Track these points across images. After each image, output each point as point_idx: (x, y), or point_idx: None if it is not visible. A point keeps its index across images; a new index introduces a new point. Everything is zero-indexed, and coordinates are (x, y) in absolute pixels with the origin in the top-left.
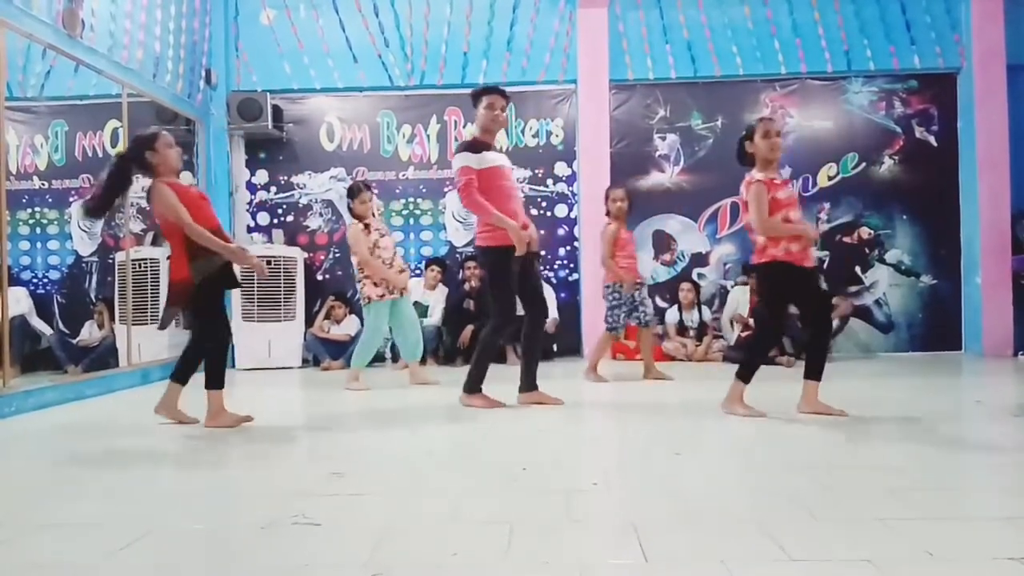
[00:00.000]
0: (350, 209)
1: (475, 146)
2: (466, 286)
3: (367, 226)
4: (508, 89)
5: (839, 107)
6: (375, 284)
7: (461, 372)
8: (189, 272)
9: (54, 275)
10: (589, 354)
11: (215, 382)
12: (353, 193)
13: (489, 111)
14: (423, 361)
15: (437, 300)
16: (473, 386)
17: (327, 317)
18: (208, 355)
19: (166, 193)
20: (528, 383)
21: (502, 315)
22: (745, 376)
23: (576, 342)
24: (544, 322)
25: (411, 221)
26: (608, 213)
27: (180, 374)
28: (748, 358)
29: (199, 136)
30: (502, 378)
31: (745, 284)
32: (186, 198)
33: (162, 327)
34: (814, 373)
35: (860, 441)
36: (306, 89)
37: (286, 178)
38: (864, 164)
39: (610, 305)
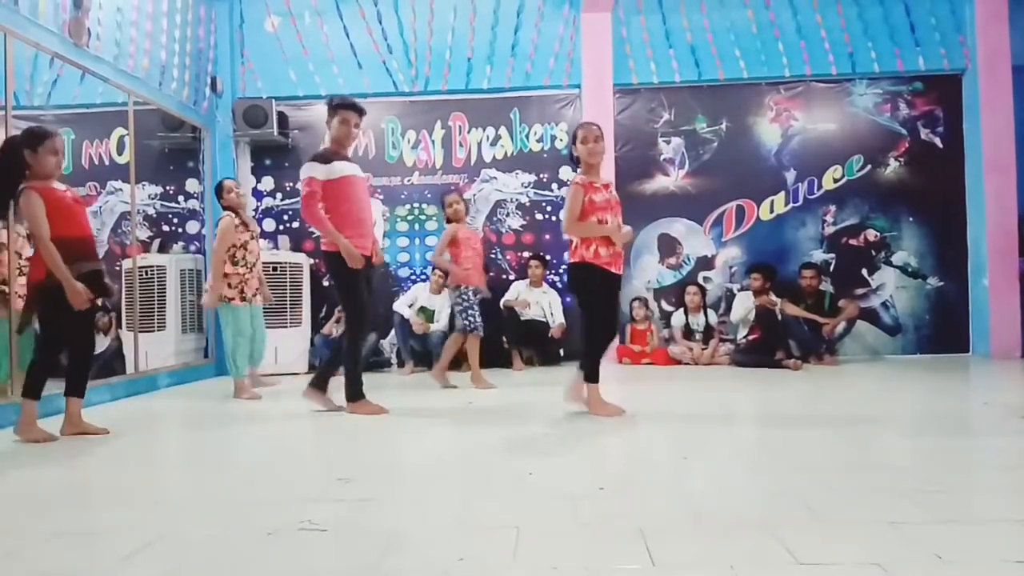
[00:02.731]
0: (223, 207)
1: (325, 156)
2: None
3: (243, 222)
4: (512, 94)
5: (844, 109)
6: (230, 285)
7: (467, 375)
8: (46, 273)
9: None
10: (444, 359)
11: (75, 389)
12: (219, 192)
13: (344, 126)
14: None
15: (443, 305)
16: (354, 395)
17: (337, 321)
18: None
19: (34, 203)
20: (353, 392)
21: (354, 318)
22: (593, 377)
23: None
24: (367, 336)
25: (416, 226)
26: (447, 219)
27: (75, 387)
28: (587, 359)
29: (205, 143)
30: (511, 383)
31: (749, 288)
32: (57, 204)
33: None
34: (591, 377)
35: (868, 443)
36: (311, 96)
37: (292, 184)
38: (869, 166)
39: (461, 308)
